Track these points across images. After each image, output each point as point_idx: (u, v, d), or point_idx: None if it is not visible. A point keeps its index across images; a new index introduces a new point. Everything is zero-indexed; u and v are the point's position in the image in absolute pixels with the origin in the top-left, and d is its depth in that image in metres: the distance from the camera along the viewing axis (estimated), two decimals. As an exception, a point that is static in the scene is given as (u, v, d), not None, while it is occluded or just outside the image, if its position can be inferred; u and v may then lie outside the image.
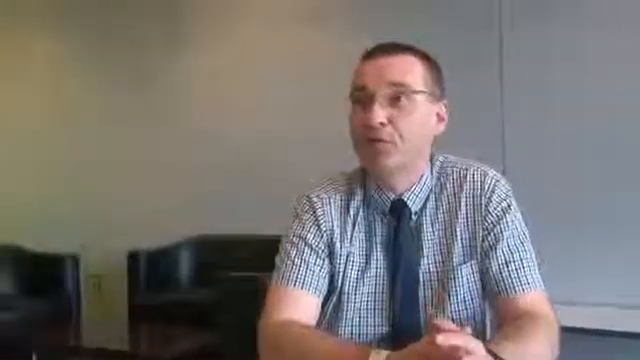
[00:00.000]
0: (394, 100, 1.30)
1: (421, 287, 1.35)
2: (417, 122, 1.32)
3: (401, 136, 1.30)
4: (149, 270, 4.19)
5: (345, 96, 1.36)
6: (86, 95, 4.93)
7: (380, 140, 1.30)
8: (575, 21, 3.34)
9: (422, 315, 1.33)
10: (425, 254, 1.36)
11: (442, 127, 1.38)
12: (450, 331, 1.01)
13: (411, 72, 1.32)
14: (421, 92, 1.32)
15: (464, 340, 1.00)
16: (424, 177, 1.39)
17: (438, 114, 1.37)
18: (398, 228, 1.37)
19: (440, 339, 0.98)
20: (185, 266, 4.37)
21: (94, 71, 4.92)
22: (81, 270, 4.44)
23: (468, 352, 0.99)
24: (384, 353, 1.09)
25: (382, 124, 1.29)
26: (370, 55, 1.35)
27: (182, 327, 3.58)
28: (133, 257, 4.19)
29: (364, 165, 1.39)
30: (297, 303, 1.33)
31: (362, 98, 1.32)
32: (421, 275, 1.35)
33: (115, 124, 4.81)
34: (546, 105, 3.41)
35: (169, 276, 4.30)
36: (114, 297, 4.45)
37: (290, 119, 4.17)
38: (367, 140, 1.31)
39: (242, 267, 3.68)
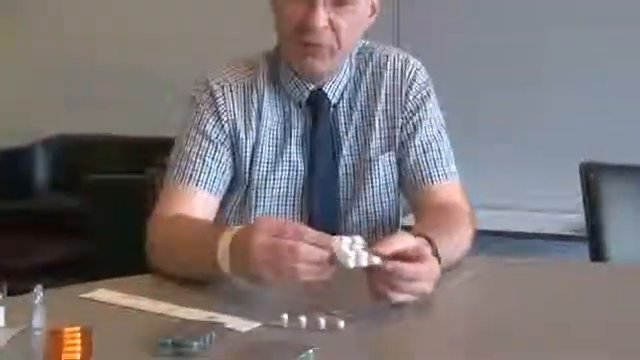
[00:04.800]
0: (338, 1, 1.21)
1: (339, 180, 1.33)
2: (357, 25, 1.27)
3: (339, 41, 1.23)
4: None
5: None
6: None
7: (318, 45, 1.23)
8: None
9: (340, 208, 1.33)
10: (343, 146, 1.33)
11: (373, 19, 1.31)
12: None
13: None
14: None
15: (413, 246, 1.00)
16: (344, 66, 1.33)
17: (372, 6, 1.30)
18: (316, 120, 1.32)
19: (390, 266, 0.97)
20: (42, 169, 4.05)
21: None
22: None
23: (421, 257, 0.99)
24: (235, 229, 1.04)
25: (324, 27, 1.21)
26: None
27: (40, 236, 3.35)
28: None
29: (291, 61, 1.29)
30: (190, 201, 1.26)
31: None
32: (339, 168, 1.33)
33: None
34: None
35: (23, 180, 3.98)
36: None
37: (151, 15, 3.95)
38: (302, 42, 1.23)
39: (105, 169, 3.55)
